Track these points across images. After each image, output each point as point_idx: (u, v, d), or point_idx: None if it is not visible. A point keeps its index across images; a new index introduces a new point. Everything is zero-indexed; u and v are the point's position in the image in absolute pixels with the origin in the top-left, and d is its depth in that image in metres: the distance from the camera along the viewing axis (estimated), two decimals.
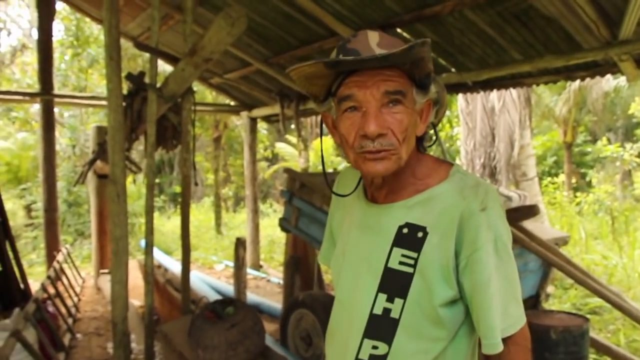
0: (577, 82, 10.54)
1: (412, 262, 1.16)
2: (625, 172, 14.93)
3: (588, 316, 3.53)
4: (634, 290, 5.87)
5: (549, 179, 13.34)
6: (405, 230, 1.19)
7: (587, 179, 15.29)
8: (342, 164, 11.93)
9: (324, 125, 1.28)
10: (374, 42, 1.12)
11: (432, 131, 1.32)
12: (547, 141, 16.80)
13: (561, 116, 15.28)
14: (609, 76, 4.43)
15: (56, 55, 11.64)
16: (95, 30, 13.68)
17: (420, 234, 1.17)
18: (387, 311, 1.18)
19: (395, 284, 1.18)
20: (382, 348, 1.18)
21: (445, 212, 1.16)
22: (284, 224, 4.36)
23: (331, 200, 1.48)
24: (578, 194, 12.60)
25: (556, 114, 15.24)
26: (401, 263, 1.17)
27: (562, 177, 14.65)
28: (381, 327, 1.18)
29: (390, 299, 1.18)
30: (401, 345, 1.17)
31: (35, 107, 9.66)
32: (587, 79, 4.67)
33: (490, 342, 1.13)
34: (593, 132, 19.41)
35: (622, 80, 13.06)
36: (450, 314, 1.17)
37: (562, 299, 5.93)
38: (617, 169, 13.49)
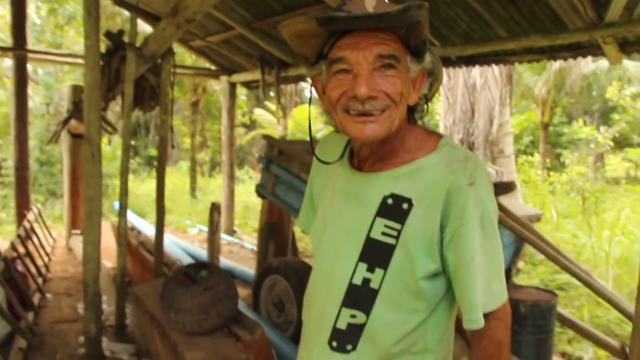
0: (558, 63, 10.60)
1: (395, 233, 1.15)
2: (598, 154, 15.21)
3: (555, 292, 3.61)
4: (600, 268, 6.01)
5: (525, 157, 13.52)
6: (390, 201, 1.16)
7: (562, 159, 15.53)
8: (321, 133, 11.89)
9: (313, 90, 1.24)
10: (370, 4, 1.08)
11: (424, 104, 1.28)
12: (524, 120, 16.97)
13: (540, 96, 15.45)
14: (588, 59, 4.46)
15: (31, 9, 11.26)
16: None
17: (405, 206, 1.15)
18: (366, 281, 1.17)
19: (376, 254, 1.17)
20: (360, 317, 1.18)
21: (432, 185, 1.14)
22: (260, 190, 4.34)
23: (312, 165, 1.45)
24: (552, 173, 12.80)
25: (535, 94, 15.38)
26: (384, 234, 1.16)
27: (537, 157, 14.86)
28: (360, 297, 1.17)
29: (370, 269, 1.17)
30: (379, 315, 1.16)
31: (8, 63, 9.33)
32: (569, 61, 4.69)
33: (471, 318, 1.13)
34: (570, 114, 19.69)
35: (600, 63, 13.19)
36: (431, 287, 1.17)
37: (531, 274, 6.06)
38: (591, 151, 13.72)
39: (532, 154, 15.36)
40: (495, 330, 1.16)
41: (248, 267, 5.99)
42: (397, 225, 1.15)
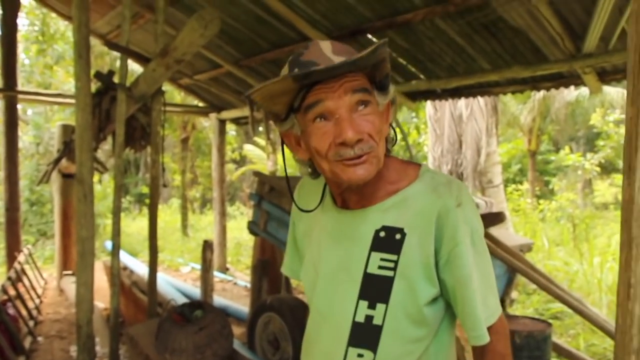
0: (542, 92, 10.79)
1: (392, 265, 1.16)
2: (586, 180, 15.35)
3: (550, 321, 3.62)
4: (593, 296, 6.02)
5: (514, 186, 13.63)
6: (382, 234, 1.18)
7: (550, 186, 15.66)
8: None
9: (284, 146, 1.25)
10: (328, 50, 1.11)
11: (392, 132, 1.29)
12: (512, 149, 17.13)
13: (526, 125, 15.65)
14: (571, 87, 4.57)
15: (20, 50, 11.36)
16: (62, 26, 13.41)
17: (398, 236, 1.16)
18: (369, 318, 1.17)
19: (375, 289, 1.17)
20: (368, 355, 1.17)
21: (421, 212, 1.16)
22: (252, 227, 4.34)
23: (292, 211, 1.43)
24: (541, 201, 12.89)
25: (521, 123, 15.59)
26: (380, 267, 1.17)
27: (526, 185, 14.97)
28: (365, 335, 1.17)
29: (371, 306, 1.17)
30: (386, 350, 1.17)
31: None
32: (552, 90, 4.80)
33: (477, 334, 1.15)
34: (556, 141, 19.93)
35: (583, 91, 13.43)
36: (433, 312, 1.18)
37: (525, 304, 6.06)
38: (579, 177, 13.85)
39: (521, 182, 15.50)
40: (496, 344, 1.18)
41: (242, 305, 5.95)
42: (393, 257, 1.16)
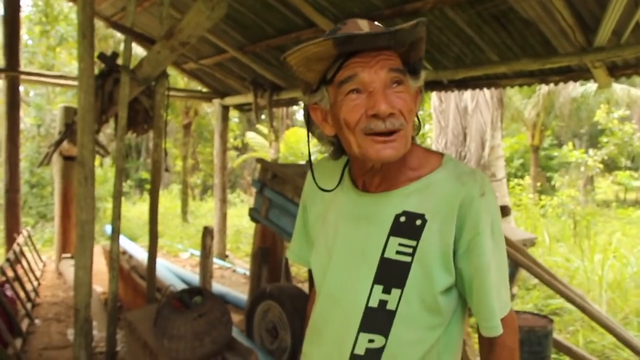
0: (547, 87, 10.71)
1: (410, 250, 1.15)
2: (588, 177, 15.30)
3: (551, 316, 3.59)
4: (593, 292, 6.00)
5: (516, 180, 13.58)
6: (402, 219, 1.16)
7: (552, 182, 15.63)
8: (314, 157, 11.88)
9: (311, 118, 1.22)
10: (365, 27, 1.11)
11: (416, 120, 1.27)
12: (515, 143, 17.11)
13: (530, 119, 15.60)
14: (577, 83, 4.52)
15: (23, 31, 11.29)
16: (65, 8, 13.32)
17: (418, 222, 1.15)
18: (383, 303, 1.16)
19: (392, 274, 1.16)
20: (379, 341, 1.16)
21: (444, 199, 1.15)
22: (254, 214, 4.31)
23: (303, 194, 1.42)
24: (543, 196, 12.86)
25: (525, 117, 15.53)
26: (398, 252, 1.15)
27: (527, 180, 14.93)
28: (377, 320, 1.16)
29: (386, 290, 1.16)
30: (398, 337, 1.15)
31: None
32: (558, 85, 4.75)
33: (490, 325, 1.16)
34: (559, 137, 19.90)
35: (588, 87, 13.37)
36: (447, 301, 1.17)
37: (524, 299, 6.03)
38: (581, 174, 13.81)
39: (522, 177, 15.44)
40: (506, 337, 1.19)
41: (240, 292, 5.92)
42: (412, 242, 1.15)
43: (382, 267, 1.16)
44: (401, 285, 1.15)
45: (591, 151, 13.75)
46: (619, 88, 13.11)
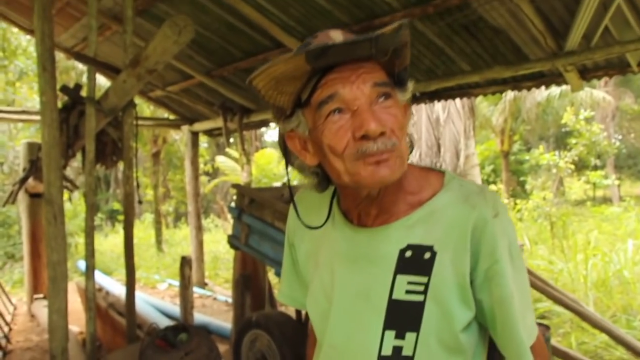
0: (513, 92, 10.85)
1: (421, 288, 1.01)
2: (559, 179, 15.54)
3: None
4: (578, 292, 5.99)
5: (489, 187, 13.69)
6: (408, 254, 1.02)
7: (525, 186, 15.84)
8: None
9: (289, 147, 1.07)
10: (339, 37, 0.96)
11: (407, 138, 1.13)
12: (484, 150, 17.31)
13: (498, 125, 15.83)
14: (543, 87, 4.54)
15: None
16: (24, 42, 13.04)
17: (427, 255, 1.01)
18: (397, 350, 1.02)
19: (403, 317, 1.02)
20: None
21: (453, 225, 1.01)
22: (233, 242, 4.18)
23: (288, 230, 1.27)
24: (518, 200, 12.98)
25: (493, 124, 15.75)
26: (408, 292, 1.02)
27: (500, 185, 15.08)
28: None
29: (400, 335, 1.02)
30: None
31: None
32: (525, 90, 4.77)
33: (520, 357, 1.02)
34: (527, 141, 20.24)
35: (553, 90, 13.63)
36: (468, 338, 1.04)
37: None
38: (553, 176, 14.01)
39: (495, 183, 15.61)
40: None
41: (223, 321, 5.75)
42: (422, 279, 1.01)
43: (391, 311, 1.03)
44: (416, 328, 1.01)
45: (561, 153, 13.99)
46: (582, 91, 13.39)
